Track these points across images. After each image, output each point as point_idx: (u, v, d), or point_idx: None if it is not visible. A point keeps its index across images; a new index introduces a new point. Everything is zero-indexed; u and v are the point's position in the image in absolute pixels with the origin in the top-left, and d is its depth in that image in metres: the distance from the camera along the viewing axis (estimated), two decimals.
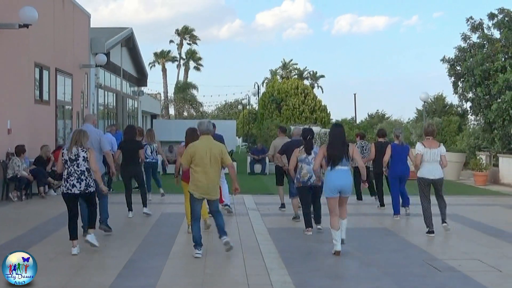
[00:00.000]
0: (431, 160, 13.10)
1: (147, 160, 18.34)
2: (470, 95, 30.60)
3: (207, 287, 8.86)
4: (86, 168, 10.81)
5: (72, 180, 10.75)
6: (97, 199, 11.73)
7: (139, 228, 13.67)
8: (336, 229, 10.98)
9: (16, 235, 12.64)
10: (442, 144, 13.59)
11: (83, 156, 10.79)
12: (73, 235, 10.77)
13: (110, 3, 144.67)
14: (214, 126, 15.78)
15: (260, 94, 54.54)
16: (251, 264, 10.15)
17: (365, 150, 18.75)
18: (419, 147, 13.31)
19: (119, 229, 13.52)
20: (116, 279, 9.10)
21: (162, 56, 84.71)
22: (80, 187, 10.75)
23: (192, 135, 12.17)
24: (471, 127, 35.99)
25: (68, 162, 10.79)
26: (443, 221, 13.47)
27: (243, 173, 29.42)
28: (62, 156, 10.93)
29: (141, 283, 8.97)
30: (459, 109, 42.29)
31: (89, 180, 10.86)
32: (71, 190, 10.75)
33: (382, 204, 17.34)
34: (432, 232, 13.06)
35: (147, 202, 15.97)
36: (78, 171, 10.75)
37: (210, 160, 10.63)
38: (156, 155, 19.28)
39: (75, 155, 10.78)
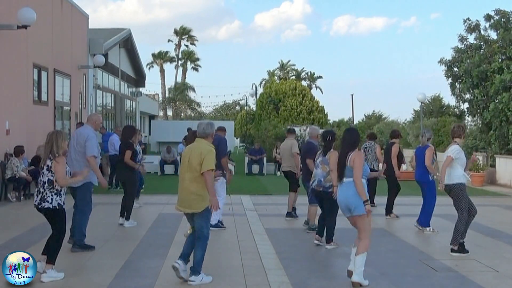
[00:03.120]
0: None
1: None
2: (468, 96, 30.68)
3: (204, 287, 8.90)
4: (48, 180, 9.17)
5: (36, 192, 9.44)
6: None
7: (137, 229, 13.71)
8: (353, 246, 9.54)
9: (15, 235, 12.70)
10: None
11: (48, 165, 9.20)
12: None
13: (109, 4, 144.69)
14: (222, 129, 14.08)
15: (258, 95, 54.53)
16: (248, 265, 10.19)
17: (369, 151, 17.77)
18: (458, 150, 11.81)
19: (117, 230, 13.57)
20: (114, 280, 9.14)
21: (160, 57, 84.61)
22: (35, 200, 9.32)
23: (191, 137, 11.43)
24: (469, 128, 36.08)
25: (40, 170, 9.47)
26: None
27: (241, 174, 29.46)
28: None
29: (139, 284, 9.00)
30: (456, 110, 42.41)
31: (45, 194, 9.20)
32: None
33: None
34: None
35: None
36: (40, 182, 9.28)
37: (186, 166, 9.24)
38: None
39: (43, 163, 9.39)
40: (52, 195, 9.16)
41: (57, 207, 9.18)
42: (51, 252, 9.24)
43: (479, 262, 10.65)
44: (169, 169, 29.44)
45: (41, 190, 9.19)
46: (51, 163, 9.13)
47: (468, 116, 34.62)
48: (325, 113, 53.03)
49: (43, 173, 9.23)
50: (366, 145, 18.09)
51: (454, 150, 11.72)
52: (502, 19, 29.44)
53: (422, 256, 11.18)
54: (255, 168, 31.16)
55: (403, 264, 10.56)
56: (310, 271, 9.89)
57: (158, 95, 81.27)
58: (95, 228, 12.36)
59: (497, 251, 11.81)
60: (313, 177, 12.29)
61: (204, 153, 9.05)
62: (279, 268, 10.04)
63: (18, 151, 18.67)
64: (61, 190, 9.25)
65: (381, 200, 16.94)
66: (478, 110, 29.62)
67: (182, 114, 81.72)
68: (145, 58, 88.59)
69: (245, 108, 63.02)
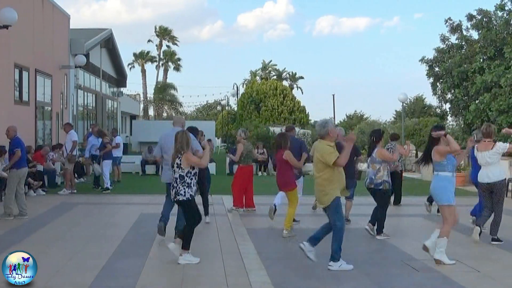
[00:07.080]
0: (483, 163, 12.67)
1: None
2: (449, 96, 30.83)
3: (186, 287, 8.87)
4: (180, 176, 10.23)
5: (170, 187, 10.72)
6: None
7: (118, 229, 13.63)
8: None
9: None
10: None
11: (177, 163, 10.27)
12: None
13: (92, 4, 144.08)
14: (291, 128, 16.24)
15: (239, 95, 54.61)
16: (230, 265, 10.17)
17: (391, 152, 17.57)
18: None
19: (98, 230, 13.50)
20: (95, 280, 9.07)
21: (142, 57, 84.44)
22: (172, 195, 10.47)
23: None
24: (451, 128, 36.27)
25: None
26: (494, 239, 12.52)
27: (222, 174, 29.44)
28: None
29: (120, 283, 8.97)
30: (438, 110, 42.62)
31: (178, 189, 10.23)
32: None
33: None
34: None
35: None
36: (173, 178, 10.43)
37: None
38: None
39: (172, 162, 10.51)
40: (184, 188, 10.24)
41: (190, 198, 10.29)
42: (186, 239, 10.41)
43: (462, 262, 10.63)
44: (150, 169, 29.52)
45: (175, 185, 10.29)
46: (180, 160, 10.21)
47: (451, 116, 34.77)
48: (307, 113, 53.19)
49: (174, 170, 10.32)
50: (388, 146, 17.88)
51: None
52: (484, 19, 29.60)
53: (404, 256, 11.18)
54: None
55: (385, 264, 10.57)
56: (292, 271, 9.87)
57: (140, 95, 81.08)
58: (76, 228, 12.30)
59: (479, 251, 11.82)
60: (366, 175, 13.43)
61: (321, 153, 9.98)
62: (260, 268, 10.01)
63: (0, 151, 18.50)
64: (191, 183, 10.30)
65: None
66: (460, 110, 29.76)
67: (164, 113, 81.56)
68: (128, 58, 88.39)
69: (227, 108, 63.01)
